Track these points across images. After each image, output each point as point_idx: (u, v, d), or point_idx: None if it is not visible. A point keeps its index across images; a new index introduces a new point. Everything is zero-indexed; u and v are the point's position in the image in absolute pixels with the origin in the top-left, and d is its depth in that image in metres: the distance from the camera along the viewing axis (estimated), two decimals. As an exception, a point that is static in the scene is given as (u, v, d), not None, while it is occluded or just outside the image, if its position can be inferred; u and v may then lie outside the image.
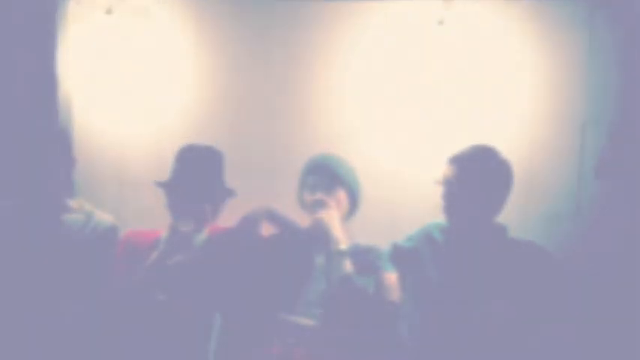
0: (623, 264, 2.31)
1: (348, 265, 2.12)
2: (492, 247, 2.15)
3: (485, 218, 2.18)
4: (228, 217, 2.41)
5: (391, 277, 2.19)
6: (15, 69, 2.73)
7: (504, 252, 2.13)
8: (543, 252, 2.13)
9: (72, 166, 2.39)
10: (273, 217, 2.42)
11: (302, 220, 2.36)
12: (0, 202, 2.35)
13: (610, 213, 2.38)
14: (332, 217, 2.19)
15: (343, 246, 2.14)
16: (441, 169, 2.23)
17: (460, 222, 2.18)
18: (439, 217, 2.31)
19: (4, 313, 2.18)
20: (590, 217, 2.42)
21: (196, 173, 2.32)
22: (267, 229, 2.42)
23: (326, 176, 2.27)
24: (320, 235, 2.20)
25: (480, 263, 2.11)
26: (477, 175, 2.13)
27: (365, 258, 2.21)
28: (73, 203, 2.40)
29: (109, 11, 2.82)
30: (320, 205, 2.22)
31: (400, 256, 2.27)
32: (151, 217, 2.48)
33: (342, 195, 2.27)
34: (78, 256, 2.28)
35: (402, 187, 2.65)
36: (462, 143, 2.25)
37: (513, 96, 2.56)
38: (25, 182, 2.29)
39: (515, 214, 2.31)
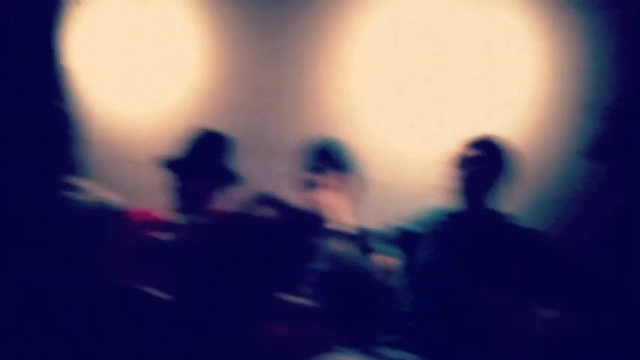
0: (619, 248, 2.33)
1: (349, 247, 2.14)
2: (499, 233, 2.19)
3: (493, 203, 2.23)
4: (229, 199, 2.44)
5: (390, 260, 2.22)
6: (19, 49, 2.73)
7: (509, 238, 2.17)
8: (547, 238, 2.17)
9: (77, 146, 2.41)
10: (273, 200, 2.45)
11: (304, 202, 2.37)
12: (7, 182, 2.38)
13: (605, 196, 2.39)
14: (333, 199, 2.21)
15: (344, 227, 2.16)
16: (444, 151, 2.27)
17: (472, 205, 2.21)
18: (443, 201, 2.34)
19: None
20: (586, 201, 2.45)
21: (202, 156, 2.35)
22: (267, 212, 2.45)
23: (327, 158, 2.29)
24: (321, 217, 2.24)
25: (485, 249, 2.15)
26: (495, 160, 2.18)
27: (366, 240, 2.24)
28: (78, 182, 2.42)
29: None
30: (321, 186, 2.24)
31: (404, 239, 2.29)
32: (155, 196, 2.51)
33: (342, 177, 2.29)
34: (84, 234, 2.31)
35: (405, 169, 2.68)
36: (465, 126, 2.28)
37: (516, 80, 2.56)
38: (31, 162, 2.31)
39: (517, 198, 2.35)
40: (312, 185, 2.26)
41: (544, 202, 2.52)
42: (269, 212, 2.45)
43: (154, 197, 2.53)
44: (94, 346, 2.07)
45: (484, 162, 2.18)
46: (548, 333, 2.03)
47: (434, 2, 2.63)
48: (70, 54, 2.81)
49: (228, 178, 2.42)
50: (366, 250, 2.21)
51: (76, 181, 2.41)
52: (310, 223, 2.31)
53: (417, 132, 2.68)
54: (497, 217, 2.24)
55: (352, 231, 2.20)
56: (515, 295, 2.04)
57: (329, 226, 2.19)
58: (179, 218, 2.40)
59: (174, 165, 2.37)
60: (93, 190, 2.41)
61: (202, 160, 2.35)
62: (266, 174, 2.72)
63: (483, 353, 2.03)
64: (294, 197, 2.40)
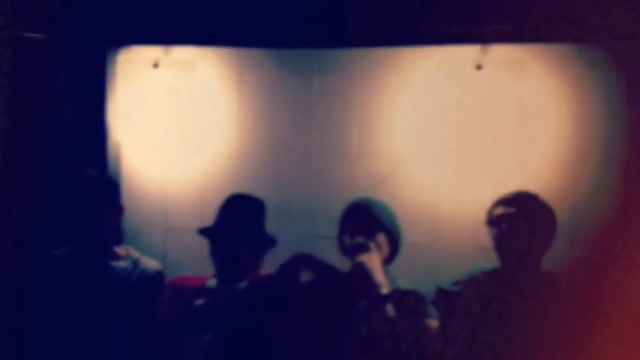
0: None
1: (390, 310, 2.09)
2: (544, 293, 2.12)
3: (535, 262, 2.17)
4: (268, 263, 2.44)
5: (432, 323, 2.16)
6: (68, 122, 2.85)
7: (557, 299, 2.10)
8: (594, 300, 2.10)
9: (120, 214, 2.47)
10: (312, 262, 2.43)
11: (343, 264, 2.34)
12: (51, 250, 2.44)
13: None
14: (373, 261, 2.16)
15: (385, 290, 2.11)
16: (481, 211, 2.23)
17: (513, 264, 2.15)
18: (482, 260, 2.29)
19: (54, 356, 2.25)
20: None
21: (238, 222, 2.37)
22: (306, 275, 2.43)
23: (366, 220, 2.26)
24: (361, 280, 2.18)
25: (529, 309, 2.08)
26: (532, 216, 2.13)
27: (407, 302, 2.18)
28: (120, 250, 2.47)
29: (155, 65, 2.95)
30: (361, 248, 2.20)
31: (445, 300, 2.24)
32: (195, 263, 2.54)
33: (382, 238, 2.25)
34: (125, 302, 2.34)
35: (443, 229, 2.64)
36: (501, 186, 2.26)
37: (551, 139, 2.55)
38: (75, 230, 2.38)
39: (559, 257, 2.30)
40: (354, 247, 2.22)
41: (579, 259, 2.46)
42: (309, 275, 2.43)
43: (192, 264, 2.58)
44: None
45: (518, 219, 2.13)
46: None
47: (465, 65, 2.66)
48: (111, 123, 2.92)
49: (264, 242, 2.43)
50: (409, 312, 2.15)
51: (117, 249, 2.46)
52: (352, 285, 2.26)
53: (453, 192, 2.66)
54: (539, 275, 2.17)
55: (395, 293, 2.14)
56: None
57: (372, 288, 2.14)
58: (218, 284, 2.40)
59: (210, 231, 2.39)
60: (134, 257, 2.45)
61: (238, 225, 2.36)
62: (306, 237, 2.72)
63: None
64: (336, 260, 2.37)
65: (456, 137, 2.66)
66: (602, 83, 2.50)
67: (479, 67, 2.63)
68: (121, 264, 2.41)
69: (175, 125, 2.96)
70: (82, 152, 2.83)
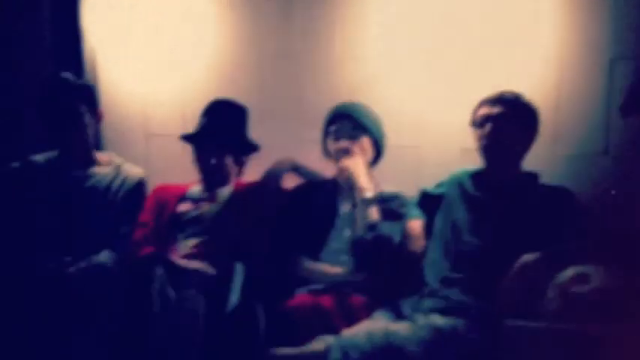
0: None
1: (374, 213, 2.09)
2: (524, 193, 2.12)
3: (517, 162, 2.16)
4: (253, 169, 2.44)
5: (417, 224, 2.20)
6: (42, 25, 2.76)
7: (536, 198, 2.09)
8: (574, 198, 2.09)
9: (99, 120, 2.43)
10: (297, 168, 2.43)
11: (328, 169, 2.36)
12: (32, 156, 2.41)
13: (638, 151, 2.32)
14: (357, 165, 2.16)
15: (369, 193, 2.11)
16: (465, 113, 2.20)
17: (496, 164, 2.14)
18: (465, 163, 2.28)
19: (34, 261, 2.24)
20: (619, 156, 2.36)
21: (221, 128, 2.34)
22: (291, 181, 2.43)
23: (350, 124, 2.24)
24: (345, 184, 2.21)
25: (511, 209, 2.08)
26: (515, 116, 2.10)
27: (391, 205, 2.21)
28: (102, 157, 2.45)
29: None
30: (344, 152, 2.20)
31: (428, 202, 2.25)
32: (177, 169, 2.52)
33: (366, 142, 2.25)
34: (108, 208, 2.34)
35: (426, 132, 2.60)
36: (486, 86, 2.21)
37: (537, 36, 2.46)
38: (54, 136, 2.35)
39: (542, 155, 2.29)
40: (339, 151, 2.22)
41: (578, 159, 2.44)
42: (294, 181, 2.44)
43: (175, 170, 2.56)
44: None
45: (503, 119, 2.09)
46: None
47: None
48: (90, 30, 2.83)
49: (247, 147, 2.42)
50: (393, 215, 2.18)
51: (99, 155, 2.44)
52: (337, 190, 2.29)
53: (438, 95, 2.59)
54: (520, 175, 2.17)
55: (379, 197, 2.14)
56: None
57: (356, 192, 2.14)
58: (202, 190, 2.41)
59: (193, 137, 2.37)
60: (116, 163, 2.43)
61: (220, 130, 2.34)
62: (291, 142, 2.68)
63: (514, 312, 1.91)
64: (321, 164, 2.39)
65: (439, 38, 2.57)
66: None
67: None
68: (104, 170, 2.40)
69: (154, 30, 2.87)
70: (58, 57, 2.75)
